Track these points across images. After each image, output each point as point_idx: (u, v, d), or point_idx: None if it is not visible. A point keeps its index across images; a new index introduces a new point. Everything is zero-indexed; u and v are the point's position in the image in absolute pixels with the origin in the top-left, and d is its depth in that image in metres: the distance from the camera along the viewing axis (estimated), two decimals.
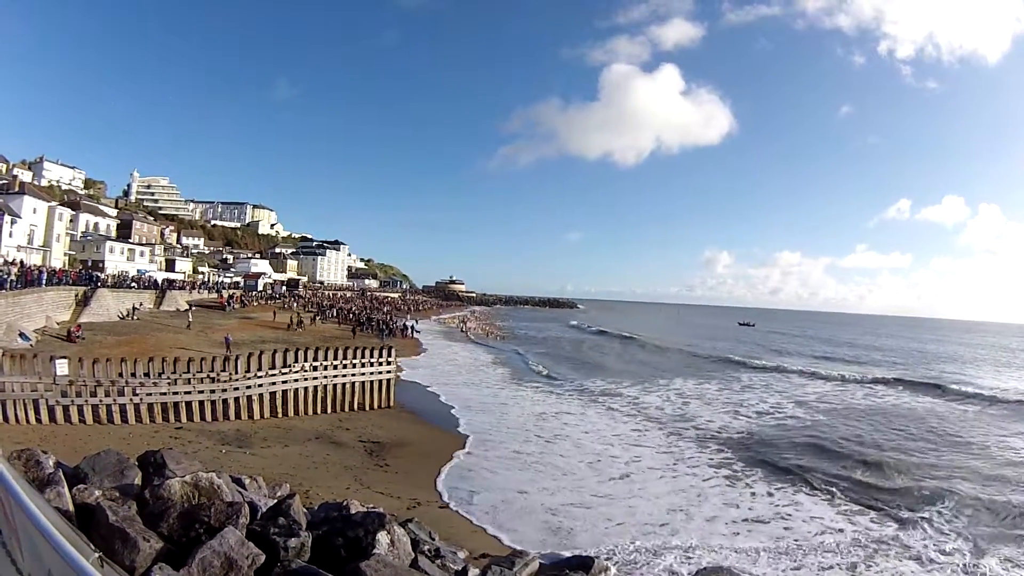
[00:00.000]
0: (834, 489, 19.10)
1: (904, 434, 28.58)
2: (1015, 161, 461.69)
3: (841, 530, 15.81)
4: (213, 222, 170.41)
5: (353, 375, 27.26)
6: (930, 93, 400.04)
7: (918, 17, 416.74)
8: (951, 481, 20.30)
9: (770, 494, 18.72)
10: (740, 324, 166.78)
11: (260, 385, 24.59)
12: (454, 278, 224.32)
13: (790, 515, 16.83)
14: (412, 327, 71.81)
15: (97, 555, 2.61)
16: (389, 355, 28.59)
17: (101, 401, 21.22)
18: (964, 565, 13.78)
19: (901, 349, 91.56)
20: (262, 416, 24.34)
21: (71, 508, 5.35)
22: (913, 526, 16.09)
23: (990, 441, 27.63)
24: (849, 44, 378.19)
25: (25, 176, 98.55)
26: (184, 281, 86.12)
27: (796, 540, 14.90)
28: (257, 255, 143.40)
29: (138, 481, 7.12)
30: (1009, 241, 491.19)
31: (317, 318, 70.39)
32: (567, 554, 10.81)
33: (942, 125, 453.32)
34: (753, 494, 18.68)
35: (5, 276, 42.90)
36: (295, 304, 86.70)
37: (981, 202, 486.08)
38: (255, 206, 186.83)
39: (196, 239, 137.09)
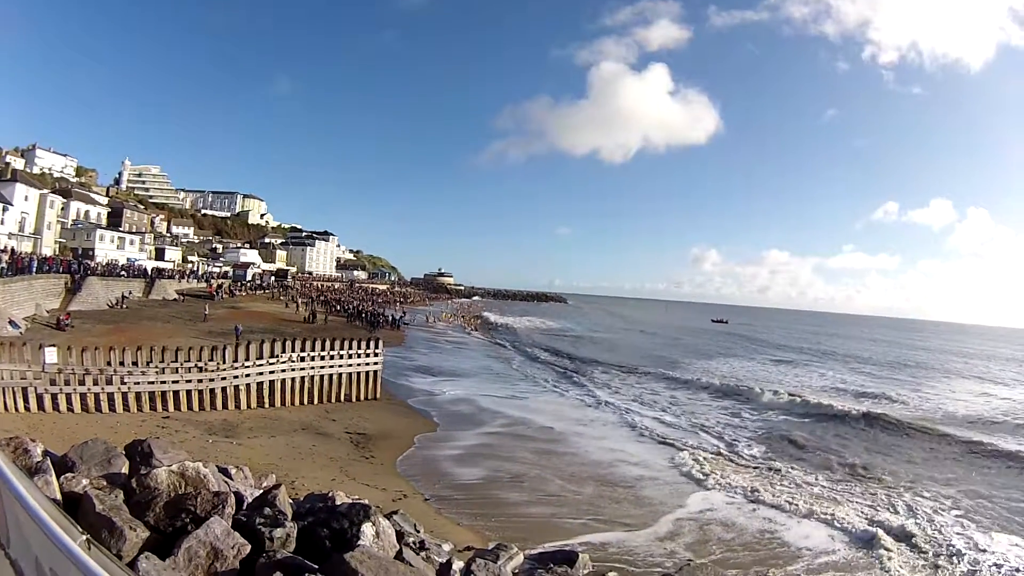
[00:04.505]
0: None
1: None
2: (1004, 166, 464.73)
3: None
4: (203, 211, 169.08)
5: (340, 366, 27.30)
6: (915, 98, 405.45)
7: (901, 25, 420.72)
8: None
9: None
10: (713, 321, 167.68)
11: (247, 375, 24.61)
12: (442, 271, 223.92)
13: None
14: (400, 318, 71.99)
15: (85, 537, 2.67)
16: (376, 346, 28.63)
17: (89, 390, 21.21)
18: None
19: (853, 352, 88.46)
20: (249, 406, 24.39)
21: (59, 497, 5.39)
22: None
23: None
24: (834, 50, 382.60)
25: (17, 163, 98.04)
26: (174, 270, 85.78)
27: None
28: (247, 245, 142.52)
29: (125, 470, 7.15)
30: (997, 245, 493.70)
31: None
32: (551, 548, 10.92)
33: (927, 130, 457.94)
34: None
35: None
36: (285, 295, 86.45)
37: (969, 206, 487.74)
38: (245, 196, 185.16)
39: (186, 228, 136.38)
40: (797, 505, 17.83)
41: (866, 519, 16.88)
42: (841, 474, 21.91)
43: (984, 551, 15.18)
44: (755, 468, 21.90)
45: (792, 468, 21.99)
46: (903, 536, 15.70)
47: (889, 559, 14.35)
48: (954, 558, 14.70)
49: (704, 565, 12.96)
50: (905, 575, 13.76)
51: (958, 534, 16.15)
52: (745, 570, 13.21)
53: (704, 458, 22.62)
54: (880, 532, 15.79)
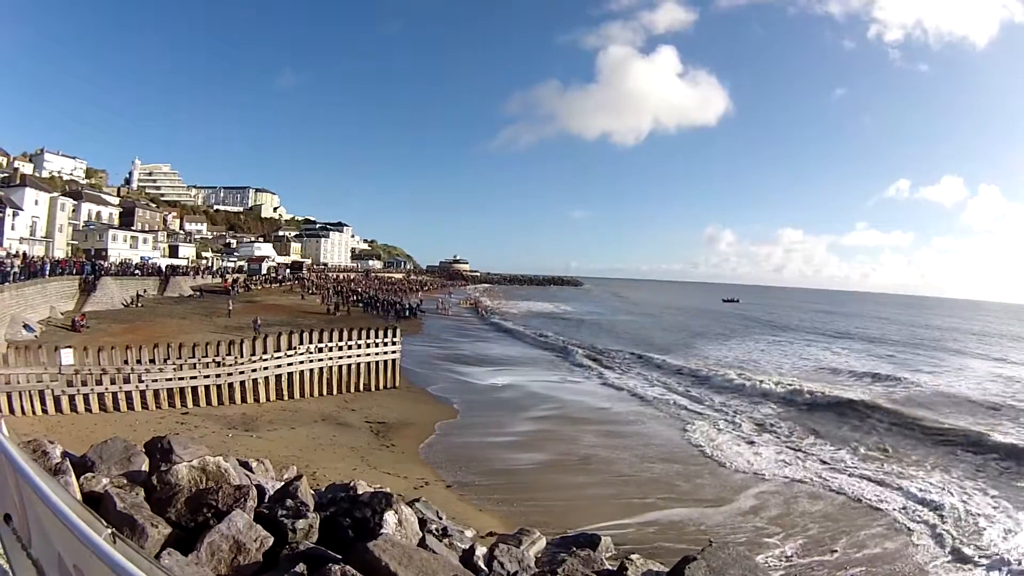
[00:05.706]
0: None
1: None
2: (1013, 143, 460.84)
3: None
4: (216, 207, 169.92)
5: (358, 356, 27.31)
6: (921, 76, 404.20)
7: (905, 3, 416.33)
8: None
9: None
10: (724, 301, 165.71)
11: (266, 368, 24.60)
12: (458, 258, 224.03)
13: None
14: (418, 306, 72.21)
15: (110, 531, 2.60)
16: (394, 335, 28.62)
17: (107, 389, 21.19)
18: None
19: (867, 334, 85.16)
20: (268, 399, 24.36)
21: (79, 497, 5.37)
22: None
23: None
24: (840, 29, 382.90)
25: (26, 168, 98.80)
26: (188, 267, 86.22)
27: None
28: (260, 239, 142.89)
29: (145, 468, 7.15)
30: (1010, 221, 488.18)
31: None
32: (573, 533, 10.89)
33: (935, 107, 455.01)
34: None
35: (8, 268, 42.80)
36: (301, 287, 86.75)
37: (980, 183, 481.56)
38: (258, 190, 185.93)
39: (199, 224, 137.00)
40: (873, 480, 17.84)
41: (925, 496, 16.62)
42: (885, 455, 21.39)
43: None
44: (809, 446, 21.67)
45: (840, 447, 21.69)
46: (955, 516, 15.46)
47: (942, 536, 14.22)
48: (996, 537, 14.44)
49: (726, 545, 12.95)
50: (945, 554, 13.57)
51: (994, 511, 15.91)
52: (827, 546, 13.10)
53: (763, 438, 22.80)
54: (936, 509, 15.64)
